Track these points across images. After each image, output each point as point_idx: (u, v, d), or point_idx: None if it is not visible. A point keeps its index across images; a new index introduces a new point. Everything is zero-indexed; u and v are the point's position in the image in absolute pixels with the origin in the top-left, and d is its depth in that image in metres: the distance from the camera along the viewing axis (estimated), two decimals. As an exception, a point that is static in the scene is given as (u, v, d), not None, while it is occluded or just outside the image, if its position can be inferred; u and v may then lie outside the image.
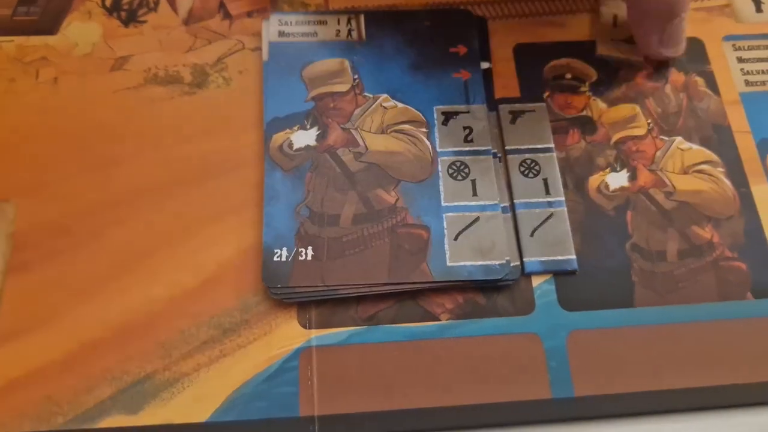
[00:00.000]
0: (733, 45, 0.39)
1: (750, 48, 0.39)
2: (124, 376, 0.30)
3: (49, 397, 0.29)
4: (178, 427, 0.29)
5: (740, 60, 0.38)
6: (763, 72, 0.38)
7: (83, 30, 0.38)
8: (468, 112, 0.35)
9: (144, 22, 0.38)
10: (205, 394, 0.30)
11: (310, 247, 0.31)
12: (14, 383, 0.30)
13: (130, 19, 0.38)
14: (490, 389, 0.30)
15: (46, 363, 0.30)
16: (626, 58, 0.38)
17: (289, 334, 0.31)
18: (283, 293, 0.31)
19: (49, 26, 0.38)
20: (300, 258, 0.31)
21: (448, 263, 0.31)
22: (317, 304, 0.31)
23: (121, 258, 0.32)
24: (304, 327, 0.31)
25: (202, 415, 0.29)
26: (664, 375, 0.31)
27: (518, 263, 0.32)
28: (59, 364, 0.30)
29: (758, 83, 0.38)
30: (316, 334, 0.31)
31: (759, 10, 0.40)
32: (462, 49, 0.36)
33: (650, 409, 0.30)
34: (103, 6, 0.38)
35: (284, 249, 0.31)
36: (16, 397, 0.29)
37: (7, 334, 0.30)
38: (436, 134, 0.34)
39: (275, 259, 0.31)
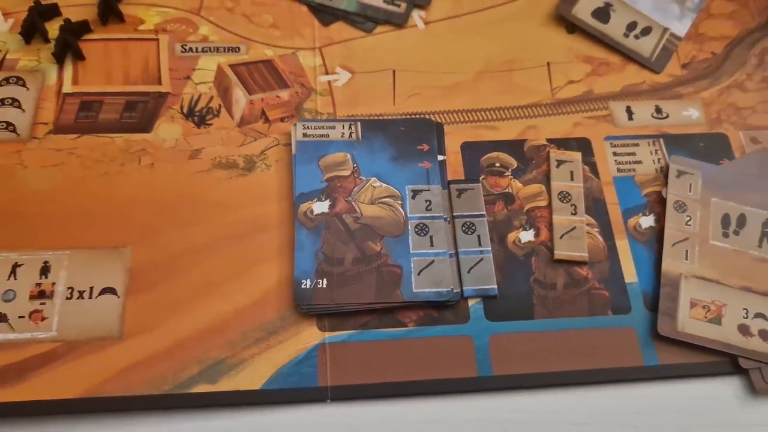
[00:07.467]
0: (611, 143, 0.57)
1: (622, 145, 0.57)
2: (206, 360, 0.47)
3: (158, 374, 0.46)
4: (242, 393, 0.46)
5: (615, 153, 0.56)
6: (629, 162, 0.56)
7: (169, 129, 0.55)
8: (428, 190, 0.52)
9: (210, 124, 0.56)
10: (258, 372, 0.46)
11: (324, 279, 0.49)
12: (135, 366, 0.46)
13: (201, 122, 0.56)
14: (438, 370, 0.47)
15: (155, 352, 0.47)
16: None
17: (311, 335, 0.48)
18: (307, 309, 0.48)
19: (145, 126, 0.55)
20: (318, 286, 0.48)
21: (414, 290, 0.48)
22: (329, 316, 0.48)
23: (201, 286, 0.49)
24: (321, 330, 0.48)
25: (256, 384, 0.46)
26: (553, 362, 0.47)
27: (459, 290, 0.49)
28: (164, 352, 0.47)
29: (626, 170, 0.55)
30: (328, 335, 0.48)
31: (630, 118, 0.58)
32: (425, 147, 0.54)
33: (543, 384, 0.47)
34: (182, 113, 0.56)
35: (308, 280, 0.48)
36: (138, 373, 0.46)
37: (131, 333, 0.47)
38: (408, 205, 0.52)
39: (302, 287, 0.48)
